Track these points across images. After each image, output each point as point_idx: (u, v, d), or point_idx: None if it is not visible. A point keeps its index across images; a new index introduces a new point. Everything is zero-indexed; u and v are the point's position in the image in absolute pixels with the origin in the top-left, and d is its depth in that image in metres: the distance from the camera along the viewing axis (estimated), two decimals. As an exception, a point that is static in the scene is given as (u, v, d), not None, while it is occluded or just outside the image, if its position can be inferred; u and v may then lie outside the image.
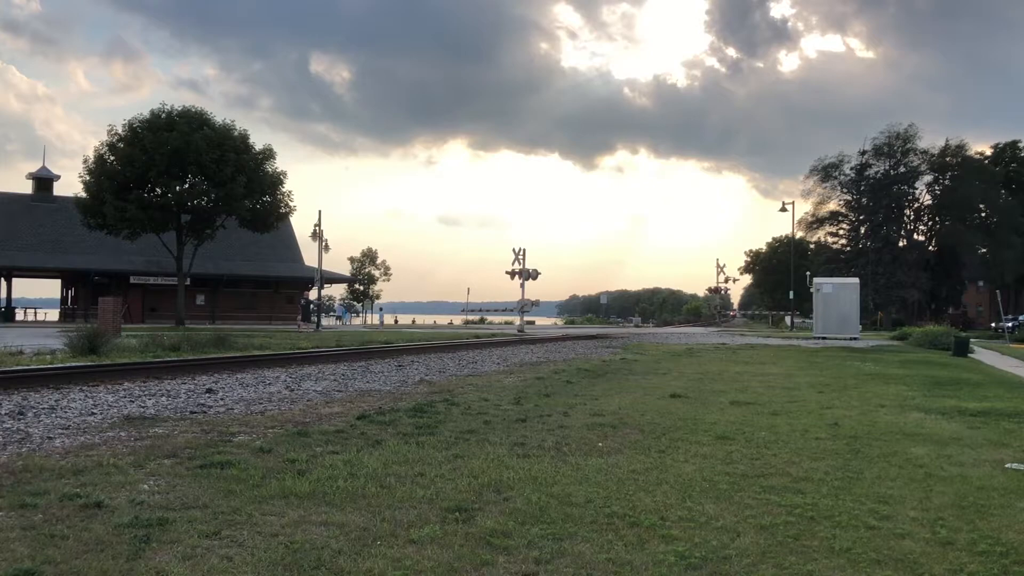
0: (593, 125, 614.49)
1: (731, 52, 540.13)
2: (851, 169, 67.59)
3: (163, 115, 40.65)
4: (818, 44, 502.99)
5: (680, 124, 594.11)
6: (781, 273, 78.36)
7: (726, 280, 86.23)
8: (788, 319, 64.21)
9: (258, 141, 43.59)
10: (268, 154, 43.35)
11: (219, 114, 47.24)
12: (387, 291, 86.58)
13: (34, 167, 62.55)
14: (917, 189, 68.22)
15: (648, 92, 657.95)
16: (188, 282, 45.40)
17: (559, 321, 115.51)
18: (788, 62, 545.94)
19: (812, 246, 76.45)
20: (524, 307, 44.50)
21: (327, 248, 46.07)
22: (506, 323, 62.28)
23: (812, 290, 39.85)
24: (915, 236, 69.05)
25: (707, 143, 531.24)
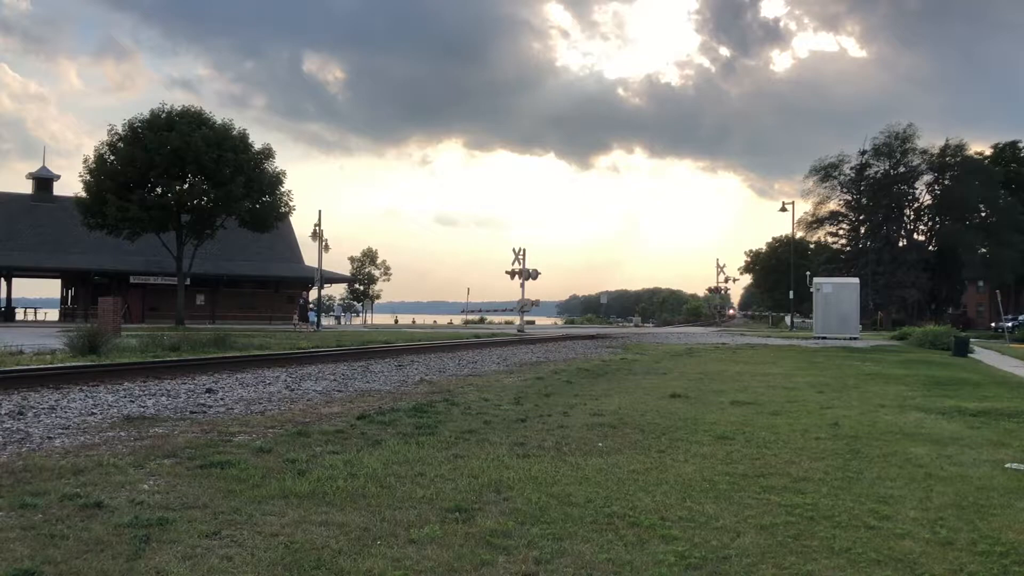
0: (587, 124, 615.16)
1: (724, 51, 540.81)
2: (851, 169, 67.64)
3: (163, 115, 40.64)
4: (811, 44, 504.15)
5: (674, 123, 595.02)
6: (781, 273, 78.36)
7: (726, 280, 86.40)
8: (788, 319, 64.22)
9: (252, 141, 43.47)
10: (267, 154, 43.31)
11: (213, 113, 46.84)
12: (387, 291, 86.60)
13: (29, 166, 62.80)
14: (917, 189, 68.26)
15: (641, 91, 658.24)
16: (188, 282, 45.35)
17: (559, 321, 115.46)
18: (781, 61, 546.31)
19: (812, 246, 76.49)
20: (524, 307, 44.48)
21: (327, 248, 46.10)
22: (506, 323, 62.26)
23: (812, 290, 39.85)
24: (915, 236, 69.02)
25: (702, 142, 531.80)
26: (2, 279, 52.25)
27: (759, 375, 14.85)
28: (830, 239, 72.24)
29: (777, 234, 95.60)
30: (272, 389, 10.78)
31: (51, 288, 63.35)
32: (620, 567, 3.71)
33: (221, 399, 9.54)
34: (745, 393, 11.40)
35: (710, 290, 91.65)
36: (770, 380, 13.75)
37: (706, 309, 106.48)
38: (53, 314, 57.84)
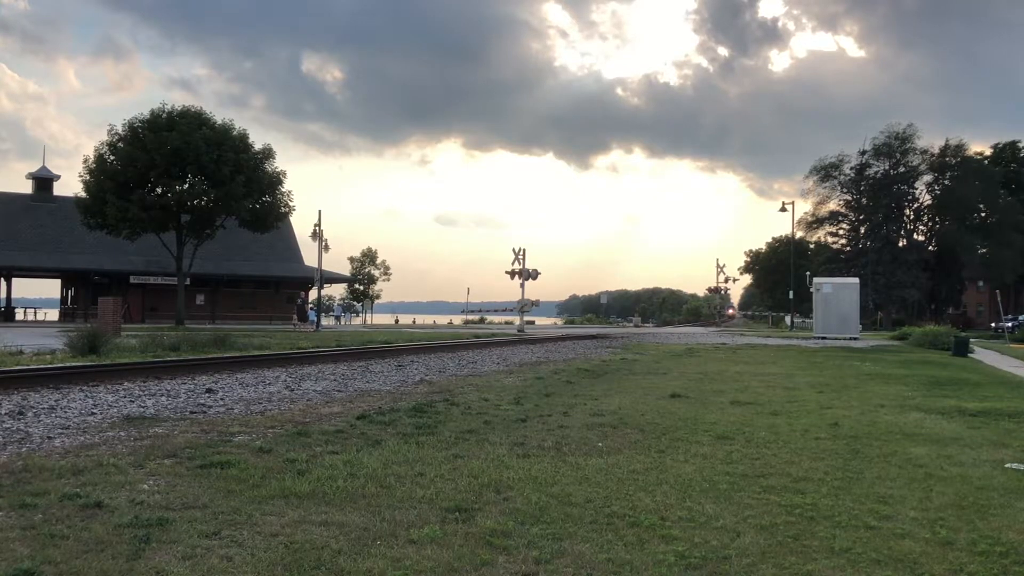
0: (586, 124, 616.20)
1: (722, 51, 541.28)
2: (851, 169, 67.69)
3: (163, 115, 40.65)
4: (809, 44, 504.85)
5: (673, 123, 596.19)
6: (781, 273, 78.42)
7: (726, 280, 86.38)
8: (788, 319, 64.23)
9: (253, 141, 43.45)
10: (267, 154, 43.30)
11: (213, 113, 46.83)
12: (387, 291, 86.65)
13: (29, 166, 62.90)
14: (917, 189, 68.30)
15: (640, 91, 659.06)
16: (188, 282, 45.36)
17: (559, 321, 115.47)
18: (780, 61, 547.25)
19: (812, 246, 76.48)
20: (524, 307, 44.47)
21: (327, 248, 46.08)
22: (506, 323, 62.24)
23: (812, 290, 39.84)
24: (915, 236, 69.04)
25: (701, 142, 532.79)
26: (2, 279, 52.27)
27: (759, 375, 14.85)
28: (830, 239, 72.28)
29: (777, 234, 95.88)
30: (272, 389, 10.78)
31: (51, 288, 63.45)
32: (620, 567, 3.71)
33: (221, 399, 9.54)
34: (745, 393, 11.40)
35: (710, 290, 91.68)
36: (770, 380, 13.75)
37: (706, 309, 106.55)
38: (53, 314, 57.84)
